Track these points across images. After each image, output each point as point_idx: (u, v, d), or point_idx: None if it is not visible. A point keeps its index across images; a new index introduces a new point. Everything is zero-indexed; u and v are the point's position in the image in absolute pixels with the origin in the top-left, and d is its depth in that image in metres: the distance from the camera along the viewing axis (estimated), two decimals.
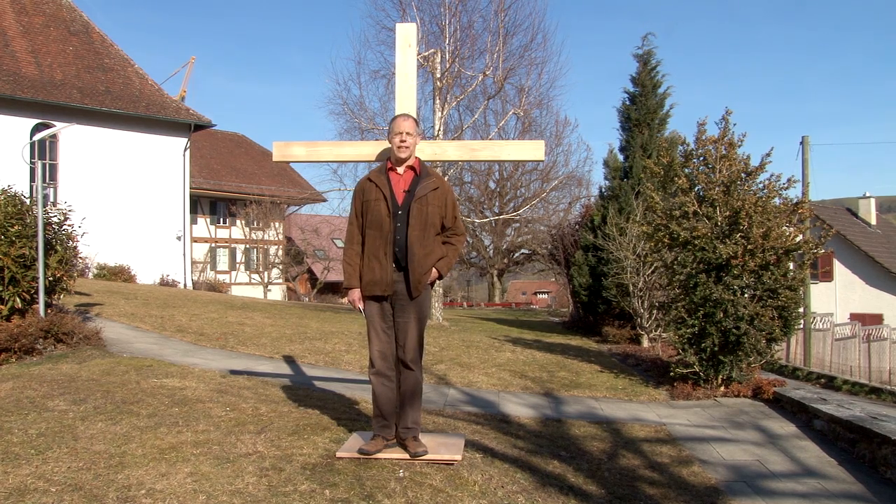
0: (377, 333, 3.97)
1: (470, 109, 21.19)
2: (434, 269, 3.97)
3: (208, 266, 34.19)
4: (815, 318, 17.38)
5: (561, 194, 33.03)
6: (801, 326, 15.20)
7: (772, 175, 8.00)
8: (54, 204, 8.29)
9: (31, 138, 19.47)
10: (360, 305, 4.01)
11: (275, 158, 4.68)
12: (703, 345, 7.56)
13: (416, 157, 4.07)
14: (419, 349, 4.01)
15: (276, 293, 36.23)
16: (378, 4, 28.69)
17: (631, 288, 12.78)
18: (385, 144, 4.51)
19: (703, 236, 7.66)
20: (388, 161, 4.08)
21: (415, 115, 4.27)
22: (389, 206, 3.89)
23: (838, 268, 28.73)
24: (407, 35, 4.43)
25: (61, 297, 8.23)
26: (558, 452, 5.03)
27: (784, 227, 7.78)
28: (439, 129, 15.76)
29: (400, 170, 4.02)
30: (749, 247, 7.47)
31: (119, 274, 20.45)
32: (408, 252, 3.86)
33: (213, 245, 35.55)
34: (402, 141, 3.95)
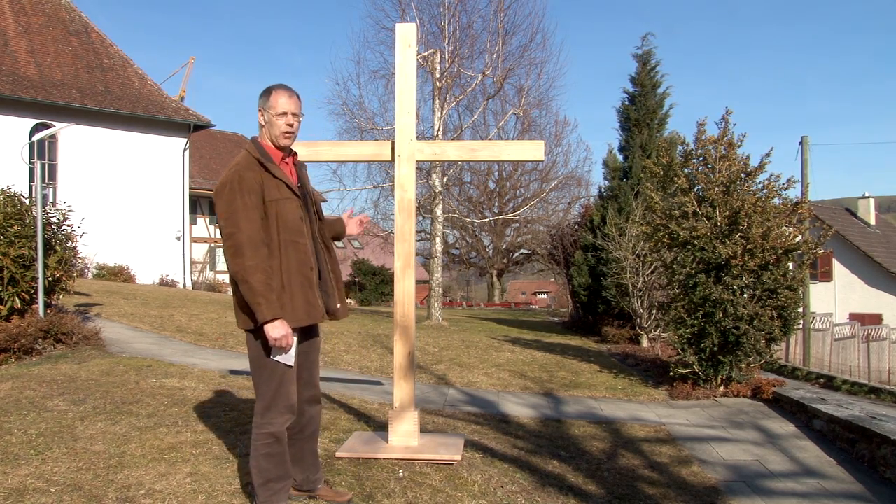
0: (291, 380, 3.07)
1: (469, 109, 21.21)
2: None
3: (208, 266, 34.16)
4: (814, 318, 17.39)
5: (560, 194, 33.07)
6: (801, 326, 15.20)
7: (771, 175, 8.02)
8: (53, 204, 8.27)
9: (30, 138, 19.43)
10: (293, 341, 3.01)
11: None
12: (702, 345, 7.57)
13: None
14: None
15: None
16: (377, 5, 28.69)
17: (630, 288, 12.78)
18: (385, 144, 4.48)
19: (703, 236, 7.67)
20: (262, 144, 3.09)
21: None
22: (303, 207, 3.09)
23: (837, 268, 28.75)
24: (406, 35, 4.42)
25: (60, 297, 8.22)
26: (558, 452, 5.03)
27: (783, 227, 7.79)
28: (439, 129, 15.75)
29: (287, 159, 3.16)
30: (748, 247, 7.47)
31: (118, 274, 20.42)
32: (330, 260, 3.24)
33: (213, 245, 35.53)
34: (289, 124, 3.05)
